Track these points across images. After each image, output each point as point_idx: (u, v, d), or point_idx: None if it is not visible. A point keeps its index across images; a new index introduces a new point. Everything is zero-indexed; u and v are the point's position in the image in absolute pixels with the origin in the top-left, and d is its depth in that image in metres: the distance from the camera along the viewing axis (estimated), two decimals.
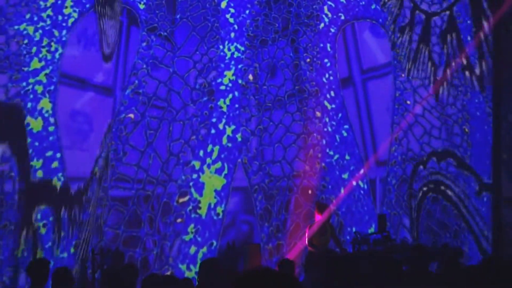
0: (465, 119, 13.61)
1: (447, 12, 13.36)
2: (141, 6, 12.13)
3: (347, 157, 13.15)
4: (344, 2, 13.43)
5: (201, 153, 12.34)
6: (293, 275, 5.04)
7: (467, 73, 13.40)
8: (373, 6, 13.57)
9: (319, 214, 10.94)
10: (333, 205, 12.22)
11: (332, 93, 13.19)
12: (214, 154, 12.37)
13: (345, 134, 13.18)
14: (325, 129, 13.04)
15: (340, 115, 13.17)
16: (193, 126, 12.27)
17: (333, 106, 13.15)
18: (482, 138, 13.63)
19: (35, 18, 11.16)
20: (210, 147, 12.38)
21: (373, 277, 6.02)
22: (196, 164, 12.23)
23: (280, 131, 12.79)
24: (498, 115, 12.92)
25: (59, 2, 11.42)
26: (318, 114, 13.01)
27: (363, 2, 13.54)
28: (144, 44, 12.06)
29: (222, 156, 12.38)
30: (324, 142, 13.00)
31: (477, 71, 13.34)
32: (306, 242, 10.91)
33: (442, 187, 13.33)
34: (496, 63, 12.96)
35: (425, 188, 13.32)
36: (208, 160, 12.34)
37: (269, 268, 3.44)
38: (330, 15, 13.35)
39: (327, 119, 13.05)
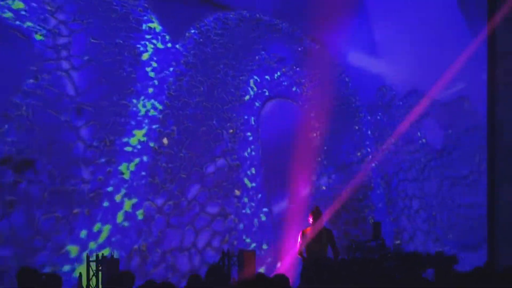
0: None
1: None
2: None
3: (264, 246, 11.55)
4: (268, 79, 12.29)
5: (83, 233, 9.95)
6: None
7: None
8: (294, 88, 12.69)
9: (314, 220, 10.38)
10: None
11: (253, 170, 11.68)
12: (102, 237, 10.04)
13: (263, 218, 11.59)
14: (243, 211, 11.41)
15: (260, 195, 11.62)
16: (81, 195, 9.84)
17: (254, 184, 11.61)
18: None
19: None
20: (98, 225, 10.06)
21: (364, 285, 6.08)
22: (73, 249, 9.74)
23: (194, 209, 10.95)
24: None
25: None
26: (237, 192, 11.40)
27: (285, 83, 12.49)
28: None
29: (113, 239, 10.08)
30: (241, 226, 11.32)
31: None
32: (297, 250, 10.48)
33: None
34: (491, 74, 12.42)
35: None
36: (92, 245, 9.94)
37: (263, 275, 3.46)
38: (255, 89, 12.12)
39: (246, 199, 11.46)
